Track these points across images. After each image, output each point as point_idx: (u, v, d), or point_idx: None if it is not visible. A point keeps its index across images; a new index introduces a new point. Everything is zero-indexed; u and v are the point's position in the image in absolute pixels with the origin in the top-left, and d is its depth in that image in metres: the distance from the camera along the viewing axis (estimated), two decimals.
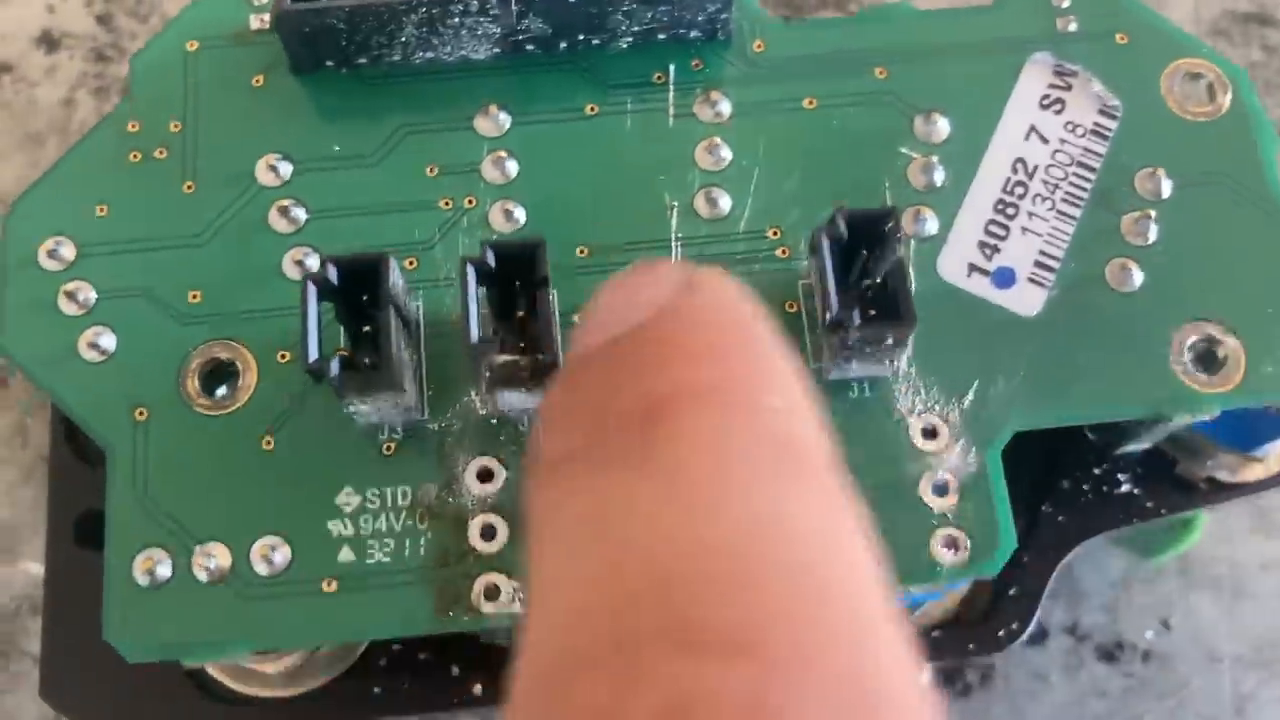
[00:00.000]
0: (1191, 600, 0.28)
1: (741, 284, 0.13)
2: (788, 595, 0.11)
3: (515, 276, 0.19)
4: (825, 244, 0.19)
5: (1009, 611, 0.23)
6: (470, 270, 0.18)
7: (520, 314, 0.19)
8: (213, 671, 0.23)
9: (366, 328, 0.19)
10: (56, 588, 0.23)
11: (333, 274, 0.18)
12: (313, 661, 0.23)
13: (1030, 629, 0.23)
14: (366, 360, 0.19)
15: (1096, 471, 0.24)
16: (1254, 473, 0.24)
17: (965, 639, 0.23)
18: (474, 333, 0.18)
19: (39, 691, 0.23)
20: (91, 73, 0.30)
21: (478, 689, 0.23)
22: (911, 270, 0.21)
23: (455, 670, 0.23)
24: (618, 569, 0.11)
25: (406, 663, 0.23)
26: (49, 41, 0.30)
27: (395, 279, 0.19)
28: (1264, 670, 0.28)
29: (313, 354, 0.18)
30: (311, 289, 0.18)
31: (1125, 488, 0.24)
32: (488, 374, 0.18)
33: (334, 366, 0.18)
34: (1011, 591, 0.23)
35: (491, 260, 0.18)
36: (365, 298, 0.19)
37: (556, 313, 0.19)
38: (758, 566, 0.11)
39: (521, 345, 0.18)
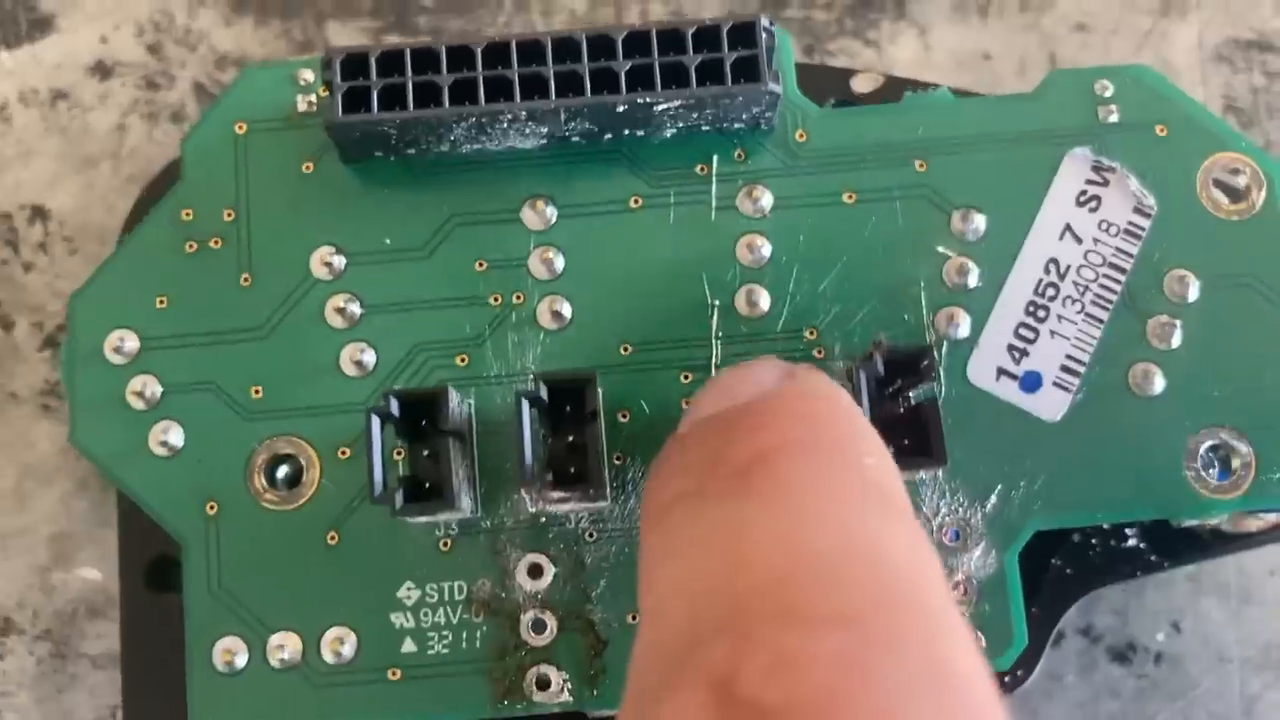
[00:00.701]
0: (1201, 605, 0.30)
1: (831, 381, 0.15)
2: (883, 592, 0.12)
3: (565, 402, 0.20)
4: (862, 378, 0.20)
5: (1015, 661, 0.25)
6: (525, 404, 0.19)
7: (570, 439, 0.20)
8: None
9: (426, 451, 0.20)
10: (132, 633, 0.25)
11: (394, 406, 0.19)
12: None
13: (1034, 675, 0.25)
14: (427, 484, 0.20)
15: (1105, 527, 0.25)
16: (1254, 524, 0.26)
17: None
18: (529, 468, 0.19)
19: None
20: (143, 99, 0.31)
21: None
22: (942, 373, 0.22)
23: None
24: (734, 572, 0.13)
25: None
26: (102, 70, 0.31)
27: (454, 407, 0.20)
28: (1271, 672, 0.30)
29: (378, 488, 0.19)
30: (375, 421, 0.19)
31: (1131, 542, 0.25)
32: (539, 506, 0.20)
33: (399, 498, 0.19)
34: None
35: (544, 394, 0.19)
36: (424, 423, 0.20)
37: (604, 447, 0.20)
38: (858, 569, 0.13)
39: (571, 470, 0.20)
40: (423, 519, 0.20)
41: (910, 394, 0.20)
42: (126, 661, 0.25)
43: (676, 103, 0.21)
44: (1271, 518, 0.26)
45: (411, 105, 0.20)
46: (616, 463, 0.21)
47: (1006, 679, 0.25)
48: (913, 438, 0.20)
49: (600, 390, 0.20)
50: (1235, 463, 0.21)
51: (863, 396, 0.20)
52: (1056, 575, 0.25)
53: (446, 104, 0.20)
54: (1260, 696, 0.30)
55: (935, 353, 0.19)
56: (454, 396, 0.20)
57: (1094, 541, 0.25)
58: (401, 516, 0.19)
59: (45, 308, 0.30)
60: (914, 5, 0.31)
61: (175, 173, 0.23)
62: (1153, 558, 0.25)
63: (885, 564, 0.13)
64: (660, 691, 0.12)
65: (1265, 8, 0.31)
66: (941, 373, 0.21)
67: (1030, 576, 0.24)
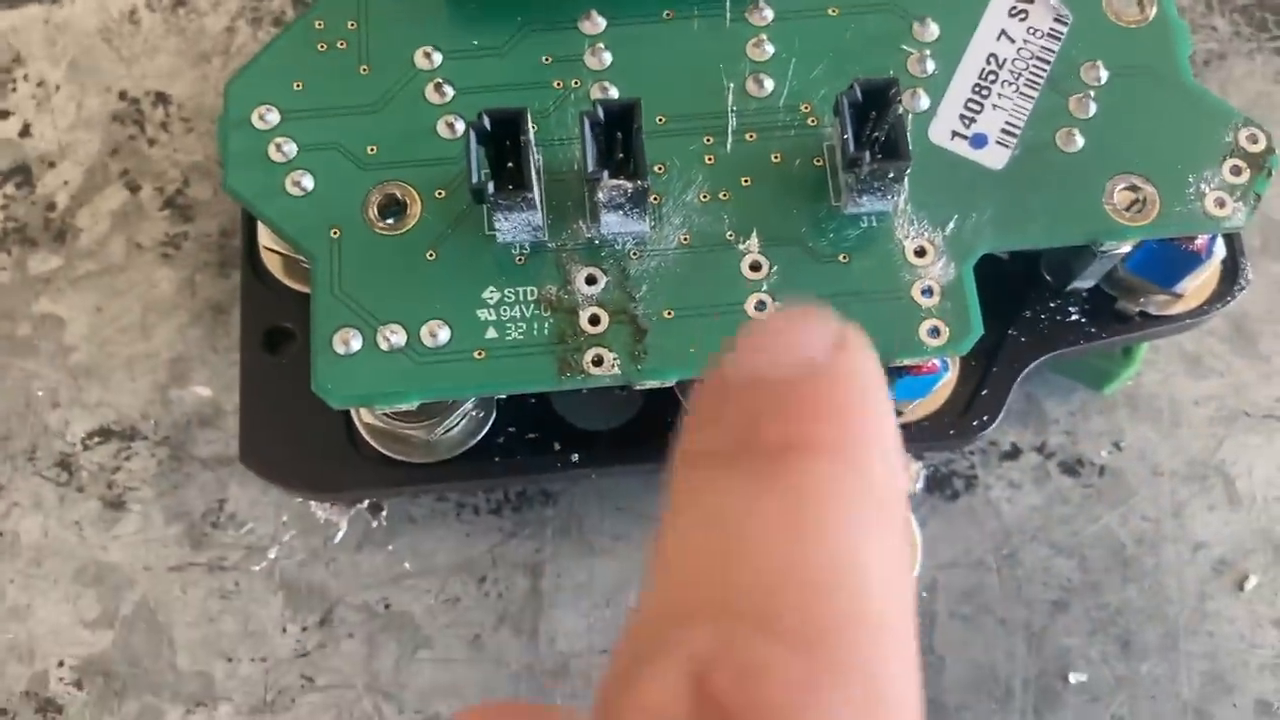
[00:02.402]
0: (1138, 427, 0.35)
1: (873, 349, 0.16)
2: (851, 617, 0.14)
3: (616, 129, 0.26)
4: (845, 104, 0.25)
5: (980, 408, 0.30)
6: (586, 121, 0.25)
7: (620, 155, 0.26)
8: (370, 440, 0.29)
9: (509, 164, 0.26)
10: (250, 382, 0.30)
11: (486, 122, 0.25)
12: (447, 440, 0.30)
13: (996, 423, 0.30)
14: (511, 185, 0.25)
15: (1051, 304, 0.31)
16: (1177, 307, 0.31)
17: (947, 427, 0.30)
18: (591, 163, 0.25)
19: (239, 457, 0.30)
20: (249, 6, 0.37)
21: (575, 458, 0.30)
22: (909, 134, 0.27)
23: (557, 446, 0.30)
24: (731, 564, 0.14)
25: (519, 441, 0.30)
26: None
27: (530, 126, 0.25)
28: (1196, 484, 0.35)
29: (475, 177, 0.25)
30: (472, 133, 0.25)
31: (1074, 317, 0.31)
32: (599, 197, 0.25)
33: (491, 186, 0.25)
34: (983, 393, 0.30)
35: (601, 114, 0.25)
36: (508, 143, 0.26)
37: (645, 155, 0.25)
38: (838, 591, 0.14)
39: (622, 175, 0.25)
40: (506, 223, 0.26)
41: (883, 117, 0.26)
42: (244, 404, 0.30)
43: None
44: (1192, 303, 0.31)
45: None
46: (657, 171, 0.27)
47: (975, 423, 0.30)
48: (885, 150, 0.26)
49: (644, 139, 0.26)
50: (1141, 196, 0.27)
51: (846, 119, 0.26)
52: (1012, 343, 0.31)
53: None
54: (1187, 503, 0.34)
55: (900, 88, 0.25)
56: (530, 118, 0.25)
57: (1043, 316, 0.31)
58: (492, 200, 0.25)
59: (166, 174, 0.36)
60: None
61: None
62: (1091, 329, 0.31)
63: (862, 587, 0.14)
64: (646, 656, 0.13)
65: None
66: (909, 135, 0.27)
67: (991, 340, 0.30)
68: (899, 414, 0.30)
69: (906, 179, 0.26)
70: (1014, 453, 0.35)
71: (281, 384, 0.30)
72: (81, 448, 0.34)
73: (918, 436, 0.30)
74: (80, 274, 0.35)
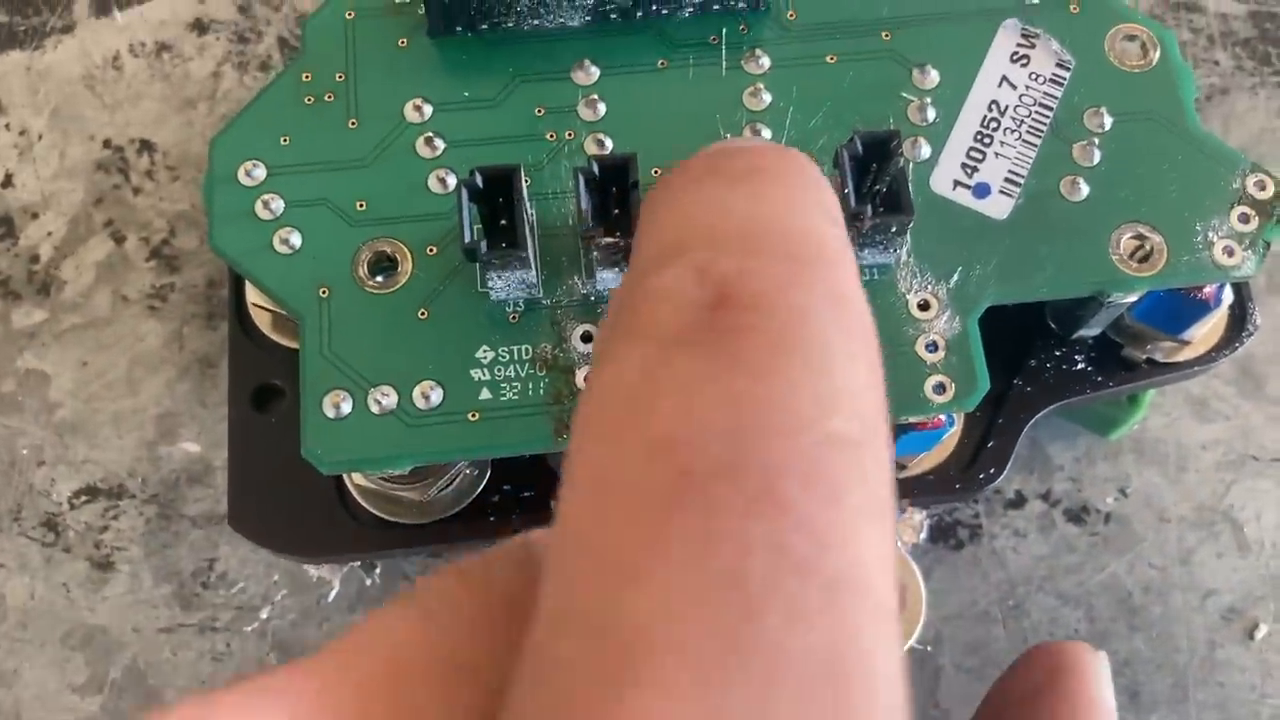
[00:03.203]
0: (1144, 473, 0.34)
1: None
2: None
3: (612, 184, 0.25)
4: (846, 157, 0.25)
5: (986, 460, 0.29)
6: (581, 177, 0.24)
7: (616, 212, 0.25)
8: (362, 501, 0.29)
9: (503, 221, 0.25)
10: (238, 443, 0.29)
11: (479, 180, 0.25)
12: (440, 499, 0.29)
13: (1003, 475, 0.29)
14: (504, 244, 0.25)
15: (1057, 353, 0.30)
16: (1184, 354, 0.30)
17: (952, 481, 0.29)
18: (587, 221, 0.24)
19: (228, 521, 0.29)
20: (234, 51, 0.37)
21: None
22: (910, 185, 0.27)
23: (552, 504, 0.29)
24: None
25: (514, 500, 0.29)
26: (200, 27, 0.37)
27: (524, 184, 0.25)
28: (1203, 530, 0.34)
29: (468, 237, 0.24)
30: (464, 191, 0.24)
31: (1080, 366, 0.30)
32: (595, 254, 0.25)
33: (484, 246, 0.24)
34: (989, 445, 0.30)
35: (595, 170, 0.25)
36: (501, 200, 0.25)
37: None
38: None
39: (618, 232, 0.25)
40: (498, 280, 0.25)
41: (884, 170, 0.25)
42: (233, 467, 0.29)
43: None
44: (1199, 349, 0.31)
45: None
46: None
47: (981, 476, 0.29)
48: (887, 203, 0.25)
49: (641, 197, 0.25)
50: (1148, 246, 0.27)
51: (847, 173, 0.25)
52: (1018, 393, 0.30)
53: None
54: (1195, 549, 0.34)
55: (902, 139, 0.25)
56: (523, 175, 0.25)
57: (1048, 366, 0.30)
58: (484, 260, 0.24)
59: (151, 224, 0.36)
60: None
61: None
62: (1098, 378, 0.30)
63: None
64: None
65: None
66: (910, 186, 0.27)
67: (997, 391, 0.29)
68: (903, 468, 0.29)
69: (909, 232, 0.26)
70: (1019, 501, 0.34)
71: (271, 443, 0.29)
72: (68, 507, 0.33)
73: (922, 489, 0.29)
74: (65, 328, 0.35)
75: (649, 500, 0.13)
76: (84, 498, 0.33)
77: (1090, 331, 0.30)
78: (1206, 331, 0.30)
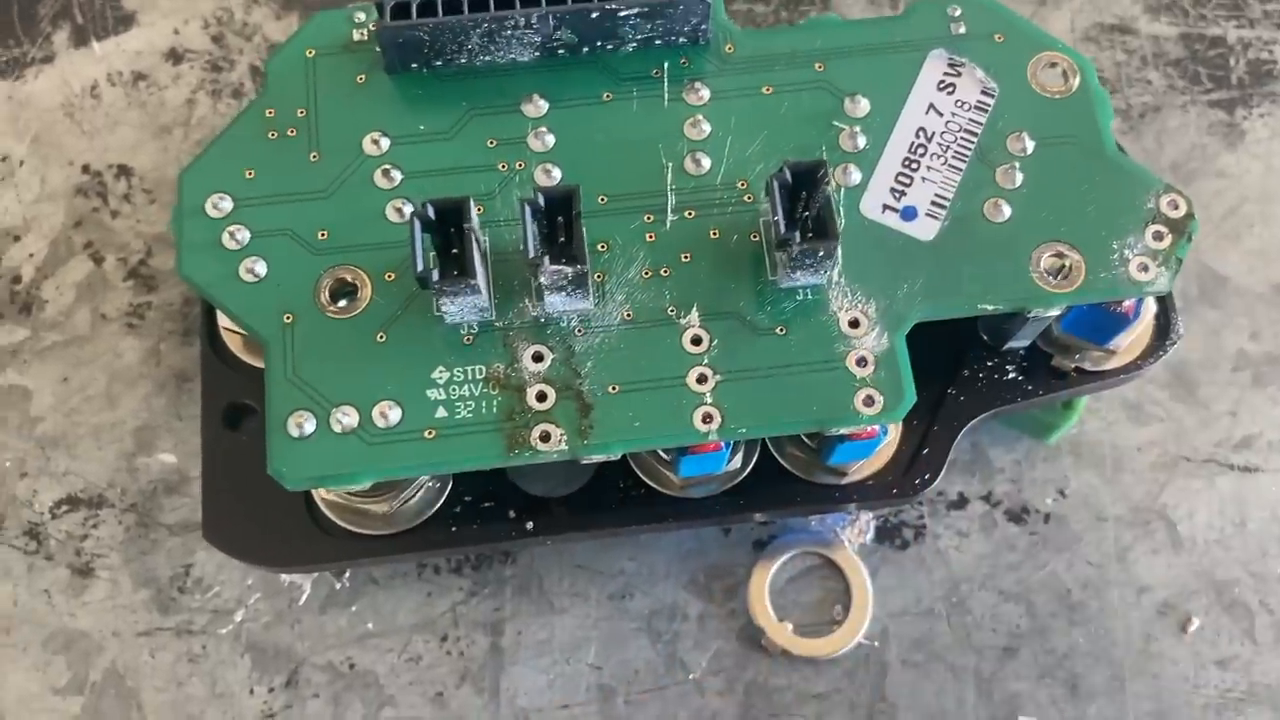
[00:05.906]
0: (1082, 474, 0.36)
1: None
2: None
3: (557, 213, 0.27)
4: (776, 187, 0.26)
5: (922, 466, 0.31)
6: (527, 208, 0.26)
7: (561, 240, 0.27)
8: (330, 514, 0.30)
9: (454, 250, 0.27)
10: (211, 459, 0.31)
11: (431, 211, 0.26)
12: (404, 511, 0.30)
13: (938, 480, 0.31)
14: (455, 271, 0.26)
15: (989, 364, 0.32)
16: (1112, 363, 0.32)
17: (890, 486, 0.31)
18: (532, 250, 0.26)
19: (202, 534, 0.31)
20: (208, 79, 0.38)
21: (530, 525, 0.30)
22: (840, 209, 0.28)
23: (511, 514, 0.31)
24: None
25: (474, 511, 0.31)
26: (175, 56, 0.39)
27: (474, 214, 0.26)
28: (1139, 528, 0.36)
29: (420, 265, 0.26)
30: (417, 222, 0.26)
31: (1011, 375, 0.32)
32: (541, 280, 0.26)
33: (436, 274, 0.26)
34: (924, 452, 0.31)
35: (541, 201, 0.26)
36: (452, 230, 0.26)
37: (586, 240, 0.26)
38: None
39: (563, 259, 0.26)
40: (452, 306, 0.27)
41: (813, 197, 0.26)
42: (206, 481, 0.31)
43: (635, 10, 0.28)
44: (1125, 359, 0.32)
45: (440, 13, 0.28)
46: (600, 249, 0.28)
47: (917, 481, 0.31)
48: (815, 229, 0.27)
49: (584, 225, 0.27)
50: (1067, 264, 0.28)
51: (777, 201, 0.26)
52: (952, 402, 0.32)
53: (466, 11, 0.28)
54: (1131, 547, 0.35)
55: (829, 169, 0.26)
56: (473, 206, 0.26)
57: (981, 375, 0.32)
58: (437, 288, 0.26)
59: (129, 246, 0.37)
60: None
61: None
62: (1029, 387, 0.32)
63: None
64: None
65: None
66: (841, 210, 0.28)
67: (931, 399, 0.31)
68: (843, 475, 0.31)
69: (839, 253, 0.27)
70: (961, 502, 0.36)
71: (242, 459, 0.31)
72: (50, 516, 0.35)
73: (862, 495, 0.31)
74: (46, 345, 0.36)
75: None
76: (65, 507, 0.35)
77: (1020, 343, 0.31)
78: (1132, 341, 0.32)
